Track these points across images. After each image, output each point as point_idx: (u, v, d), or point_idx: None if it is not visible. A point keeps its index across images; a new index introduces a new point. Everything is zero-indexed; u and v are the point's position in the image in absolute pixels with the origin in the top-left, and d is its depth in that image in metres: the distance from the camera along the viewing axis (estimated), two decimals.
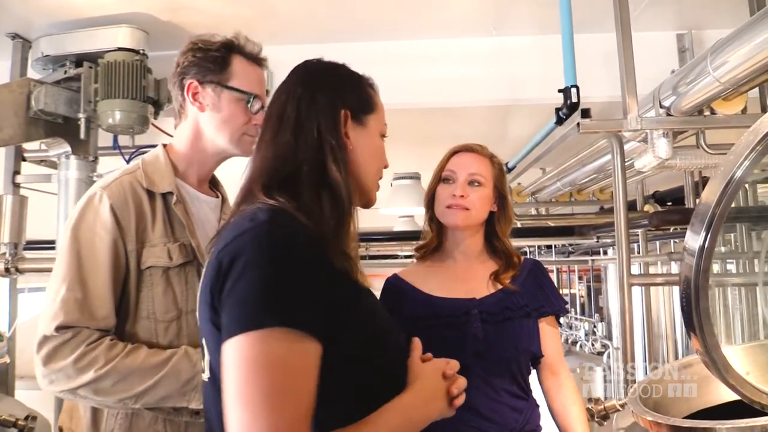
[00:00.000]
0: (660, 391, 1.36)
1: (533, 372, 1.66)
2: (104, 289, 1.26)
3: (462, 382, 1.01)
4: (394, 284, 1.68)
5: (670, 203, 4.03)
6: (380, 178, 1.11)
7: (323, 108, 1.00)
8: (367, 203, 1.10)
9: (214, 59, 1.37)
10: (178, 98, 1.42)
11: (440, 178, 1.66)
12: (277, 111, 1.02)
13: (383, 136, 1.11)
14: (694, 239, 0.87)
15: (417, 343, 1.05)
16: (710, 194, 0.89)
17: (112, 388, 1.22)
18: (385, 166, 1.12)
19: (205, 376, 0.97)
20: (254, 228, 0.87)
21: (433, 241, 1.71)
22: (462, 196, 1.60)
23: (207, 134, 1.41)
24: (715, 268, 1.04)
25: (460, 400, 1.00)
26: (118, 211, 1.29)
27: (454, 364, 1.02)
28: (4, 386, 2.48)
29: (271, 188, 0.95)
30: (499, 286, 1.60)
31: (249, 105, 1.38)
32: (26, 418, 1.59)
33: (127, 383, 1.23)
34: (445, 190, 1.64)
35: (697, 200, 0.91)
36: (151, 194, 1.34)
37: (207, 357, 0.95)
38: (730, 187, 0.87)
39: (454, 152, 1.68)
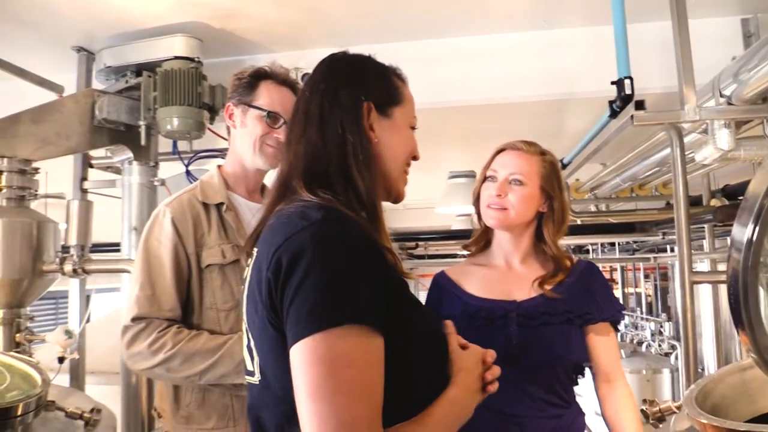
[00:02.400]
0: (720, 393, 1.30)
1: (580, 380, 1.61)
2: (169, 287, 1.53)
3: (496, 370, 1.01)
4: (438, 281, 1.67)
5: (739, 198, 3.83)
6: (407, 170, 1.09)
7: (345, 103, 1.00)
8: (396, 197, 1.09)
9: (245, 84, 1.63)
10: (225, 122, 1.68)
11: (485, 177, 1.64)
12: (303, 107, 1.03)
13: (413, 128, 1.10)
14: (741, 232, 0.83)
15: (450, 327, 1.05)
16: (758, 185, 0.84)
17: (179, 367, 1.46)
18: (416, 158, 1.11)
19: (254, 379, 0.97)
20: (312, 226, 0.88)
21: (480, 240, 1.70)
22: (499, 195, 1.56)
23: (238, 148, 1.65)
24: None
25: (493, 388, 1.01)
26: (178, 223, 1.56)
27: (492, 353, 1.03)
28: (75, 381, 2.62)
29: (311, 184, 0.96)
30: (542, 291, 1.55)
31: (268, 119, 1.59)
32: (91, 411, 1.66)
33: (191, 363, 1.46)
34: (487, 189, 1.61)
35: (745, 193, 0.87)
36: (207, 206, 1.60)
37: (257, 359, 0.95)
38: None
39: (499, 151, 1.65)
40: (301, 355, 0.82)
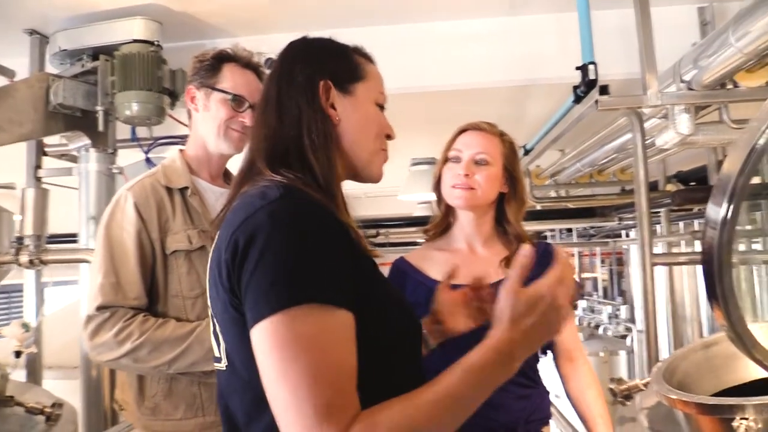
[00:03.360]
0: (684, 370, 1.34)
1: (548, 360, 1.64)
2: (134, 274, 1.48)
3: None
4: (399, 267, 1.64)
5: (693, 183, 3.96)
6: (383, 149, 1.07)
7: (300, 82, 0.99)
8: (369, 176, 1.06)
9: (207, 67, 1.58)
10: (186, 105, 1.63)
11: (447, 158, 1.62)
12: (264, 93, 1.02)
13: (381, 105, 1.07)
14: (715, 211, 0.85)
15: (527, 250, 0.96)
16: (732, 164, 0.86)
17: (147, 356, 1.42)
18: (390, 137, 1.08)
19: (221, 365, 0.95)
20: (268, 205, 0.85)
21: (441, 223, 1.67)
22: (467, 175, 1.55)
23: (200, 132, 1.60)
24: (741, 246, 1.01)
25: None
26: (141, 207, 1.50)
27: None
28: (32, 376, 2.53)
29: (274, 164, 0.94)
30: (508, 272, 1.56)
31: (232, 103, 1.55)
32: (52, 406, 1.62)
33: (159, 352, 1.43)
34: (451, 169, 1.59)
35: (718, 173, 0.88)
36: (170, 191, 1.56)
37: (223, 345, 0.93)
38: (753, 155, 0.84)
39: (461, 131, 1.63)
40: (262, 337, 0.79)
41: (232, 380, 0.92)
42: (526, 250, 0.92)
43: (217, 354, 0.97)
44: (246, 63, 1.61)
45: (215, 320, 0.95)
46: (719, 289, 0.85)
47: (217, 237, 0.95)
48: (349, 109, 1.01)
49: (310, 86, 0.99)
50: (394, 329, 0.95)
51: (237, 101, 1.56)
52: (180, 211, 1.54)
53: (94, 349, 1.46)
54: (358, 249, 0.92)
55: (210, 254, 0.96)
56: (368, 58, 1.08)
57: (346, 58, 1.05)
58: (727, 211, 0.84)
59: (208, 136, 1.59)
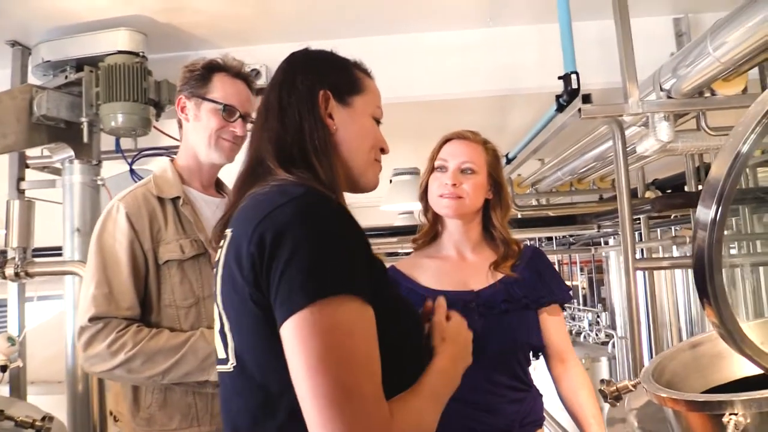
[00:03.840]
0: (672, 370, 1.37)
1: (540, 362, 1.66)
2: (126, 284, 1.47)
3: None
4: (390, 275, 1.66)
5: (669, 190, 4.04)
6: (376, 160, 1.10)
7: (301, 91, 1.02)
8: (364, 186, 1.10)
9: (198, 77, 1.59)
10: (176, 115, 1.63)
11: (433, 167, 1.64)
12: (264, 101, 1.05)
13: (377, 120, 1.11)
14: (705, 213, 0.88)
15: (441, 301, 1.08)
16: (719, 168, 0.90)
17: (141, 367, 1.42)
18: (384, 151, 1.12)
19: (227, 366, 0.94)
20: (295, 200, 0.87)
21: (429, 232, 1.69)
22: (454, 184, 1.57)
23: (191, 141, 1.61)
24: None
25: None
26: (133, 218, 1.51)
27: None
28: (16, 391, 2.49)
29: (286, 163, 0.96)
30: (499, 276, 1.58)
31: (223, 113, 1.56)
32: (43, 419, 1.60)
33: (153, 362, 1.42)
34: (438, 179, 1.62)
35: (707, 178, 0.92)
36: (162, 201, 1.56)
37: (232, 344, 0.93)
38: (739, 160, 0.88)
39: (446, 140, 1.66)
40: (297, 328, 0.80)
41: (238, 382, 0.92)
42: (439, 300, 1.10)
43: (222, 355, 0.96)
44: (236, 73, 1.62)
45: (224, 318, 0.94)
46: (710, 287, 0.88)
47: (229, 235, 0.95)
48: (347, 120, 1.04)
49: (310, 95, 1.01)
50: (402, 330, 0.97)
51: (228, 111, 1.56)
52: (172, 221, 1.54)
53: (87, 360, 1.46)
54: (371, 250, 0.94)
55: (221, 252, 0.96)
56: (367, 74, 1.13)
57: (346, 71, 1.08)
58: (716, 212, 0.87)
59: (199, 146, 1.60)
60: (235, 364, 0.93)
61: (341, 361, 0.78)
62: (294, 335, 0.80)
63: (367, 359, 0.80)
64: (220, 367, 0.97)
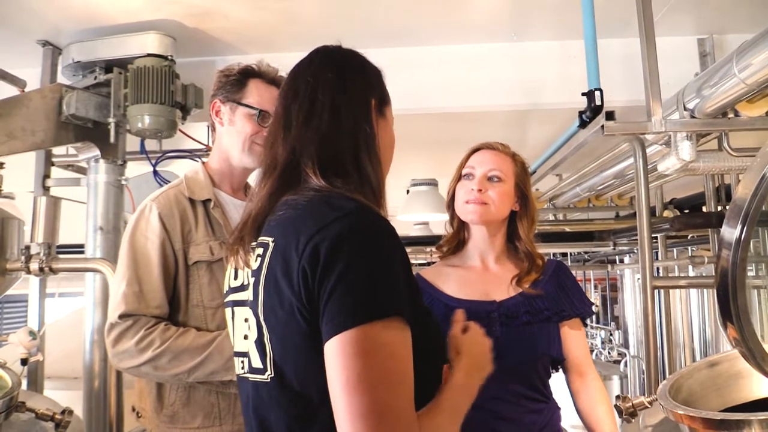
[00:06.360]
0: (688, 388, 1.36)
1: (559, 374, 1.66)
2: (157, 283, 1.50)
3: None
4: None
5: (687, 210, 4.02)
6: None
7: (358, 95, 1.02)
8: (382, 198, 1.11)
9: (233, 82, 1.62)
10: (210, 118, 1.67)
11: (460, 175, 1.65)
12: (309, 94, 1.00)
13: None
14: (730, 233, 0.89)
15: (458, 315, 1.11)
16: (745, 189, 0.91)
17: (168, 364, 1.44)
18: None
19: (264, 376, 0.93)
20: (349, 215, 0.88)
21: (453, 239, 1.69)
22: (480, 190, 1.58)
23: (225, 145, 1.64)
24: None
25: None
26: (165, 218, 1.53)
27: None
28: (33, 385, 2.52)
29: (325, 171, 0.96)
30: (520, 289, 1.58)
31: (258, 118, 1.58)
32: (63, 412, 1.62)
33: (179, 360, 1.44)
34: (464, 186, 1.63)
35: (732, 198, 0.93)
36: (193, 202, 1.59)
37: (271, 355, 0.92)
38: (765, 181, 0.89)
39: (475, 150, 1.67)
40: (342, 346, 0.81)
41: (275, 393, 0.92)
42: (458, 313, 1.14)
43: (258, 365, 0.95)
44: (271, 79, 1.64)
45: (265, 330, 0.93)
46: (733, 306, 0.89)
47: (271, 245, 0.93)
48: (382, 129, 1.05)
49: (366, 101, 1.02)
50: (429, 346, 0.97)
51: (262, 116, 1.58)
52: (202, 223, 1.57)
53: (115, 356, 1.48)
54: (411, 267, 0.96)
55: (260, 261, 0.94)
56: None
57: (382, 81, 1.09)
58: (741, 232, 0.88)
59: (232, 150, 1.62)
60: (272, 375, 0.93)
61: (380, 380, 0.80)
62: (337, 353, 0.82)
63: (403, 378, 0.82)
64: (254, 377, 0.97)
